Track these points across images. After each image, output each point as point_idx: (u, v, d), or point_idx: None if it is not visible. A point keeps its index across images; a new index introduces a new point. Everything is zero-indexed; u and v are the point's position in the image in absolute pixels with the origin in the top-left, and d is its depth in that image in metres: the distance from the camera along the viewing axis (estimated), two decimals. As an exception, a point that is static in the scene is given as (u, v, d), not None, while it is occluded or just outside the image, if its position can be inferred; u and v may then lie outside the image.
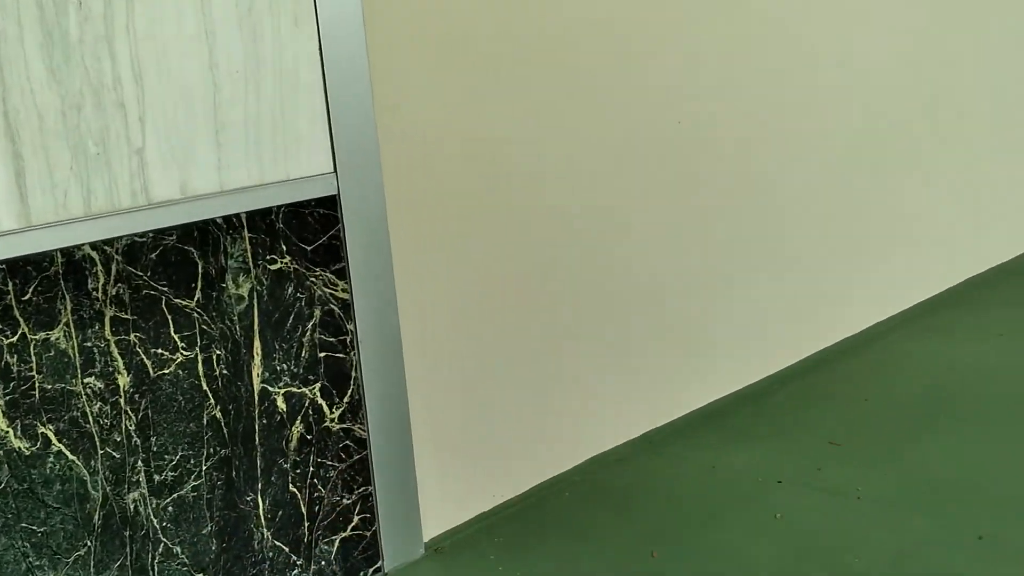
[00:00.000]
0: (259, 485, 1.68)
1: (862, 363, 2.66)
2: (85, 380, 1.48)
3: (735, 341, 2.48)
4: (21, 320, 1.41)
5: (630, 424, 2.31)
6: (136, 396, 1.53)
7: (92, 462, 1.50)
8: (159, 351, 1.54)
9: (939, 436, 2.22)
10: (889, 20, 2.74)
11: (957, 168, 3.04)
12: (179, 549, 1.61)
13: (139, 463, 1.55)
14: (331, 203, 1.69)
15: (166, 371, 1.56)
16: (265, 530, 1.70)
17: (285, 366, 1.69)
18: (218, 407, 1.62)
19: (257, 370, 1.66)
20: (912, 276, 2.98)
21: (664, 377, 2.35)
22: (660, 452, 2.27)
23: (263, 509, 1.70)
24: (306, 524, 1.75)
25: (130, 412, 1.53)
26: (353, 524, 1.82)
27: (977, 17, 3.01)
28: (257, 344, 1.65)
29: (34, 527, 1.46)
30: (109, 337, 1.49)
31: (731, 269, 2.44)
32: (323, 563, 1.78)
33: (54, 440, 1.46)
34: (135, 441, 1.54)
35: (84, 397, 1.48)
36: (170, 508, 1.60)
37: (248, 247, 1.62)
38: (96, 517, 1.52)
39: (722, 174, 2.38)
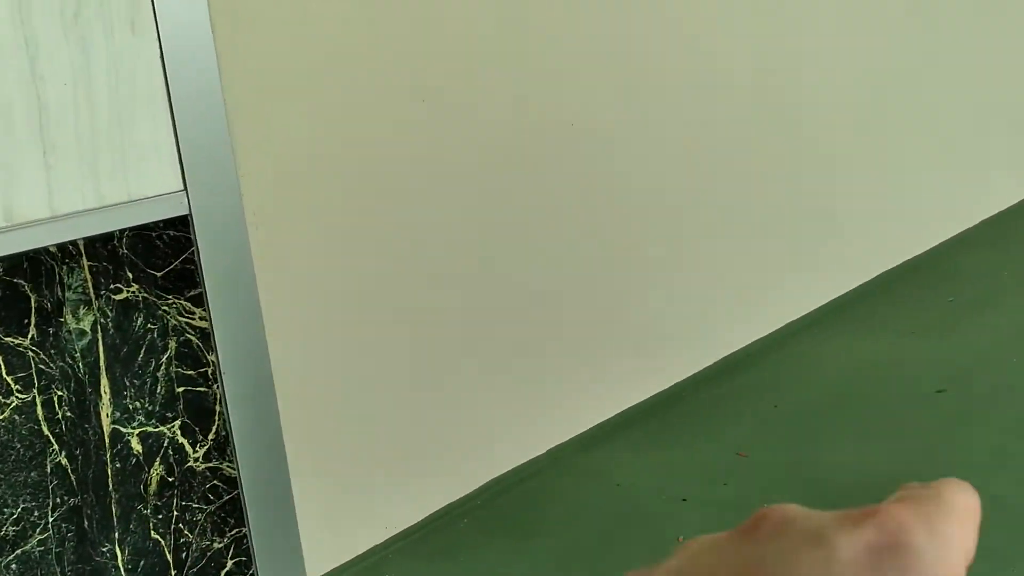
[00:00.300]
0: (116, 534, 1.54)
1: (772, 367, 2.59)
2: (-102, 433, 1.32)
3: (637, 349, 2.39)
4: None
5: (531, 441, 2.20)
6: (-38, 447, 1.38)
7: (-89, 523, 1.35)
8: (-13, 396, 1.40)
9: (849, 441, 2.15)
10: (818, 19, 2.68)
11: (871, 161, 2.99)
12: (23, 612, 1.46)
13: (-31, 521, 1.40)
14: (183, 224, 1.55)
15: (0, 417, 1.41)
16: (124, 583, 1.56)
17: (139, 404, 1.55)
18: (63, 453, 1.48)
19: (106, 410, 1.52)
20: (822, 274, 2.92)
21: (565, 390, 2.25)
22: (563, 470, 2.17)
23: (122, 560, 1.55)
24: (173, 572, 1.61)
25: (-45, 465, 1.38)
26: (227, 569, 1.68)
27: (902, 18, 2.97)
28: (104, 382, 1.51)
29: None
30: (-75, 383, 1.34)
31: (629, 273, 2.35)
32: (193, 614, 1.64)
33: None
34: (-37, 497, 1.39)
35: (-102, 452, 1.33)
36: (14, 566, 1.45)
37: (88, 276, 1.47)
38: (-80, 584, 1.37)
39: (614, 176, 2.29)
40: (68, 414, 1.48)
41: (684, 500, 1.99)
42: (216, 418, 1.63)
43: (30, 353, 1.43)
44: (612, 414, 2.33)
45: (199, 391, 1.60)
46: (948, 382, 2.38)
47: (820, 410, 2.33)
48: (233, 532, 1.67)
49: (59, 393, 1.46)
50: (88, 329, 1.48)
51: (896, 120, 3.09)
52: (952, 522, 0.27)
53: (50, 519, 1.48)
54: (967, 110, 3.33)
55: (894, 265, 3.13)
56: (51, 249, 1.43)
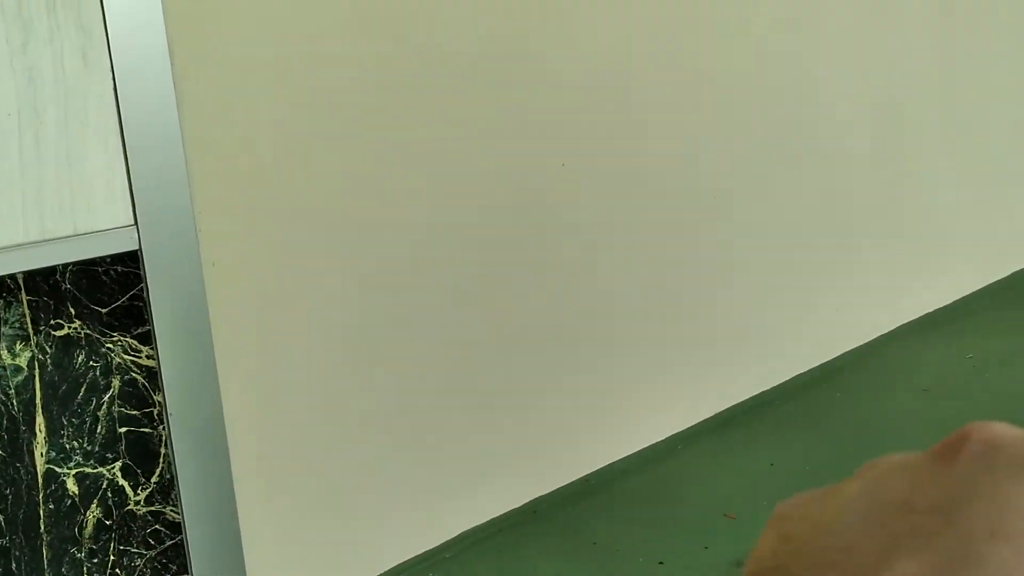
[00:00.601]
0: (48, 577, 1.49)
1: (774, 420, 2.48)
2: None
3: (613, 404, 2.29)
4: None
5: (509, 493, 2.12)
6: None
7: None
8: (-87, 431, 1.36)
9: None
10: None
11: (889, 209, 2.88)
12: (-58, 655, 1.41)
13: None
14: (132, 259, 1.51)
15: (-74, 453, 1.37)
16: (54, 629, 1.50)
17: (76, 444, 1.50)
18: (-5, 491, 1.43)
19: (41, 449, 1.47)
20: (833, 326, 2.81)
21: (546, 441, 2.16)
22: (542, 525, 2.08)
23: (55, 604, 1.50)
24: (109, 619, 1.56)
25: None
26: (169, 616, 1.62)
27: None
28: (40, 420, 1.46)
29: None
30: None
31: (626, 318, 2.26)
32: (130, 662, 1.58)
33: None
34: None
35: None
36: (-61, 606, 1.40)
37: (27, 311, 1.43)
38: None
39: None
40: None
41: (661, 563, 1.89)
42: (160, 460, 1.57)
43: (-38, 388, 1.39)
44: (594, 468, 2.24)
45: (143, 432, 1.55)
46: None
47: (817, 469, 2.22)
48: (176, 579, 1.62)
49: (-8, 430, 1.42)
50: (24, 365, 1.44)
51: (923, 156, 2.97)
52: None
53: (-20, 559, 1.43)
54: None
55: (913, 318, 3.00)
56: (-12, 282, 1.39)
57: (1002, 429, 0.26)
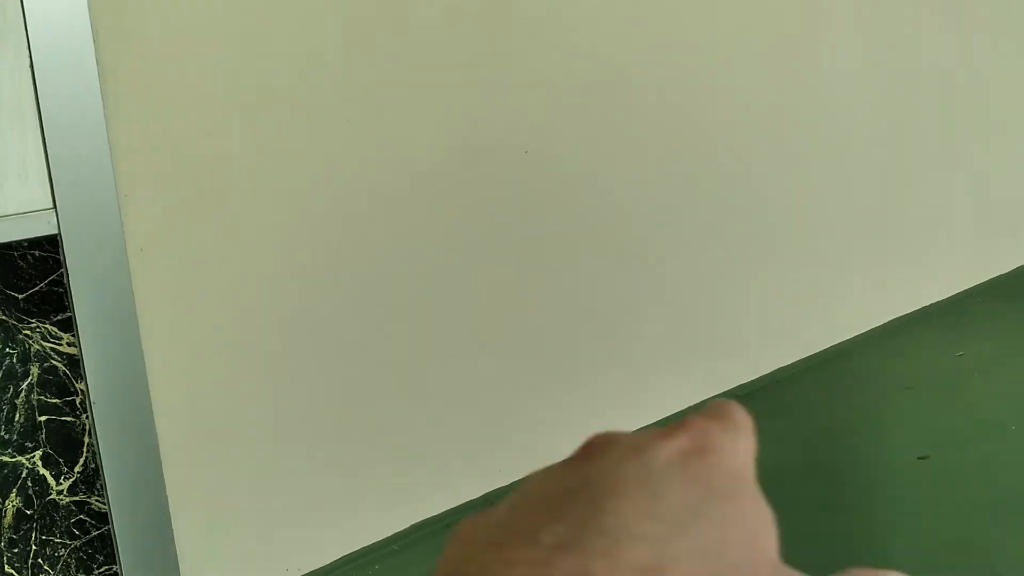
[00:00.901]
0: (-35, 567, 1.46)
1: (753, 415, 2.40)
2: None
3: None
4: None
5: (460, 486, 2.07)
6: None
7: None
8: None
9: (807, 511, 1.97)
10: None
11: (879, 213, 2.79)
12: None
13: None
14: (52, 244, 1.46)
15: None
16: (-30, 620, 1.47)
17: (-7, 432, 1.46)
18: (-93, 479, 1.40)
19: (-46, 437, 1.43)
20: (818, 319, 2.73)
21: (509, 438, 2.10)
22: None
23: (-27, 594, 1.47)
24: (31, 610, 1.52)
25: None
26: (95, 608, 1.59)
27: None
28: (-47, 407, 1.42)
29: None
30: None
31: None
32: (52, 654, 1.55)
33: None
34: None
35: None
36: None
37: (-63, 295, 1.39)
38: None
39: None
40: (-87, 439, 1.39)
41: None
42: (84, 450, 1.53)
43: None
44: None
45: (65, 420, 1.51)
46: (935, 447, 2.18)
47: (786, 472, 2.15)
48: (103, 570, 1.58)
49: (-97, 416, 1.38)
50: (-65, 351, 1.40)
51: (918, 162, 2.87)
52: (740, 432, 0.35)
53: None
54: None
55: (904, 313, 2.91)
56: None
57: (619, 433, 0.33)
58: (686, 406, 2.40)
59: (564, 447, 0.39)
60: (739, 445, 0.34)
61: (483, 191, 1.96)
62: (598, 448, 0.32)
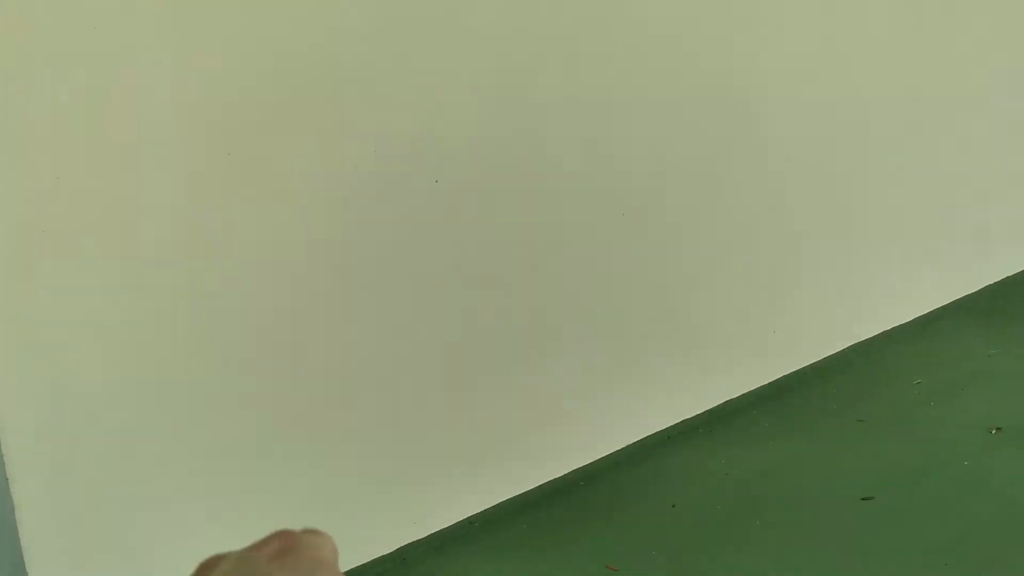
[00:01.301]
0: None
1: (676, 459, 2.27)
2: None
3: (504, 445, 2.10)
4: None
5: (382, 540, 1.95)
6: None
7: None
8: None
9: (746, 552, 1.84)
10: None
11: (836, 232, 2.67)
12: None
13: None
14: None
15: None
16: None
17: None
18: None
19: None
20: (781, 341, 2.61)
21: (422, 486, 1.99)
22: (412, 571, 1.91)
23: None
24: None
25: None
26: None
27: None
28: None
29: None
30: None
31: (487, 373, 2.07)
32: None
33: None
34: None
35: None
36: None
37: None
38: None
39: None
40: None
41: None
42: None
43: None
44: (472, 512, 2.06)
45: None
46: (882, 486, 2.05)
47: (722, 514, 2.02)
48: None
49: None
50: None
51: (886, 179, 2.76)
52: (324, 538, 0.41)
53: None
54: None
55: (865, 337, 2.79)
56: None
57: (228, 553, 0.38)
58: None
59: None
60: (324, 544, 0.40)
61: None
62: (210, 567, 0.37)
